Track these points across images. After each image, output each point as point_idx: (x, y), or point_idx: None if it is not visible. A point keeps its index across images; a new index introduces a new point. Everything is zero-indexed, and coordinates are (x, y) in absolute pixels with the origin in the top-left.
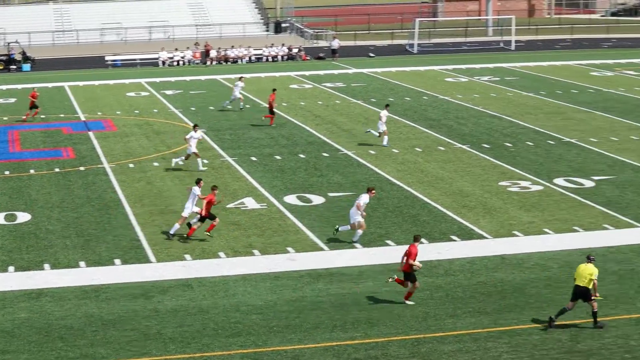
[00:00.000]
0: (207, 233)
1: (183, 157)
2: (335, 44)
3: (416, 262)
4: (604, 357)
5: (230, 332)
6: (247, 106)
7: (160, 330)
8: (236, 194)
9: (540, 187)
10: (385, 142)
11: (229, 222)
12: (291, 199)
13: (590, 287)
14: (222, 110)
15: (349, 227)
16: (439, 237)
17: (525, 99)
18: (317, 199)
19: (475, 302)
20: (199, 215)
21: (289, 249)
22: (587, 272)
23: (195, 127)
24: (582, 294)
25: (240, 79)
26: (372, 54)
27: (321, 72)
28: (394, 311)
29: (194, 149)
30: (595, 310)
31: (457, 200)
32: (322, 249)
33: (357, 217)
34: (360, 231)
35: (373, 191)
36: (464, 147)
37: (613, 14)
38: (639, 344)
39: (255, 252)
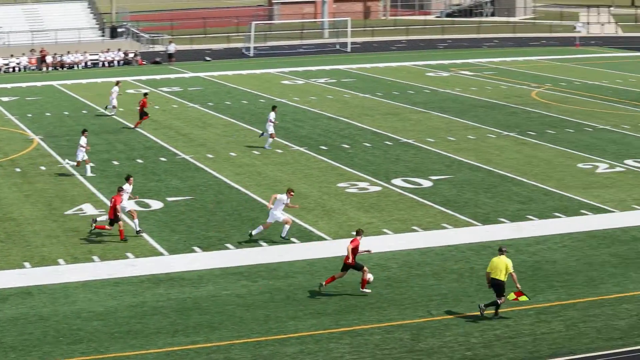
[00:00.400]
0: (98, 229)
1: (74, 163)
2: (172, 48)
3: (366, 249)
4: (445, 355)
5: (71, 339)
6: (84, 112)
7: (0, 339)
8: (74, 200)
9: (378, 188)
10: (267, 145)
11: (67, 229)
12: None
13: (505, 279)
14: (100, 116)
15: (261, 228)
16: (279, 240)
17: (362, 100)
18: (155, 204)
19: (316, 304)
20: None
21: (129, 254)
22: (502, 264)
23: (84, 132)
24: (496, 286)
25: (117, 83)
26: (208, 58)
27: (158, 77)
28: (236, 314)
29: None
30: (500, 302)
31: (296, 202)
32: (161, 254)
33: (280, 215)
34: (287, 226)
35: (292, 192)
36: (301, 149)
37: (448, 15)
38: (479, 341)
39: (95, 258)
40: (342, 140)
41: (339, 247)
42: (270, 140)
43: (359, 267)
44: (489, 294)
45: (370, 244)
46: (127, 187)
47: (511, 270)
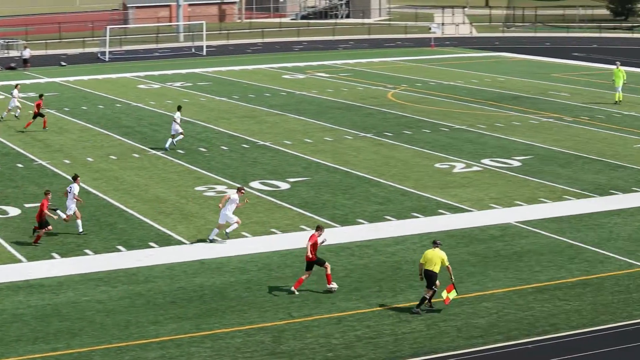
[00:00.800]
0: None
1: None
2: (27, 53)
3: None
4: (306, 356)
5: None
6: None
7: None
8: None
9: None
10: (173, 142)
11: None
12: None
13: (438, 271)
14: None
15: (217, 230)
16: (138, 245)
17: (218, 103)
18: (13, 211)
19: (176, 308)
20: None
21: None
22: (437, 257)
23: None
24: (430, 277)
25: (16, 86)
26: (64, 63)
27: (13, 82)
28: (96, 320)
29: None
30: (428, 296)
31: (154, 206)
32: (20, 261)
33: (231, 216)
34: (235, 225)
35: (242, 191)
36: (158, 153)
37: (303, 17)
38: (340, 342)
39: None
40: (199, 144)
41: (198, 251)
42: (181, 137)
43: (321, 263)
44: (350, 294)
45: (229, 247)
46: (75, 188)
47: (447, 263)
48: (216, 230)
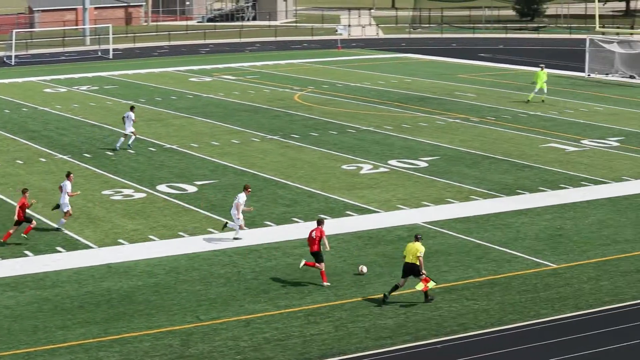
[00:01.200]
0: (24, 235)
1: None
2: None
3: (327, 243)
4: (215, 359)
5: None
6: None
7: None
8: None
9: (143, 195)
10: (119, 144)
11: None
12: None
13: (418, 262)
14: None
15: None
16: (45, 249)
17: (125, 107)
18: None
19: (84, 312)
20: (15, 219)
21: None
22: (414, 250)
23: None
24: (411, 270)
25: None
26: None
27: None
28: (3, 325)
29: None
30: (423, 277)
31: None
32: None
33: (237, 217)
34: (242, 227)
35: (249, 189)
36: (65, 157)
37: (210, 20)
38: (249, 345)
39: None
40: (106, 147)
41: (105, 255)
42: (133, 137)
43: (320, 259)
44: (258, 296)
45: (136, 251)
46: (67, 184)
47: (418, 254)
48: (235, 225)
